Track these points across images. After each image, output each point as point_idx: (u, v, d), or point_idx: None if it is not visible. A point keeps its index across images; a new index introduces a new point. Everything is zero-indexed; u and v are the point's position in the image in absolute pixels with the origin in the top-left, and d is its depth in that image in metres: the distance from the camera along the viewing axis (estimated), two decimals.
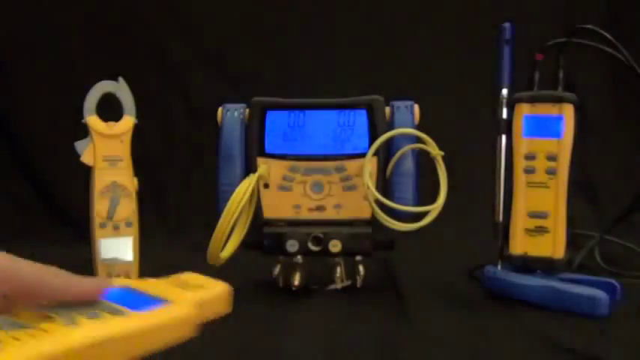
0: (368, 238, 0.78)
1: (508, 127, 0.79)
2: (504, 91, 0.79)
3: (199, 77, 1.27)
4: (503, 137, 0.79)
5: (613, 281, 0.73)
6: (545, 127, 0.77)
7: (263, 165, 0.78)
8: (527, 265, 0.77)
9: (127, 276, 0.79)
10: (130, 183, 0.79)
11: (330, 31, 1.27)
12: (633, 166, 1.30)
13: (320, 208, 0.79)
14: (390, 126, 0.78)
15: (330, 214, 0.79)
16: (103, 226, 0.78)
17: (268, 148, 0.79)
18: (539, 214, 0.77)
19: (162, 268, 0.96)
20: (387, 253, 0.83)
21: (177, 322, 0.37)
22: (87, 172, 0.78)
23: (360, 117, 0.79)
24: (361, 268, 0.80)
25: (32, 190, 1.22)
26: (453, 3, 1.30)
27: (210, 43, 1.27)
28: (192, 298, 0.39)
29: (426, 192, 0.78)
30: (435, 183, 0.75)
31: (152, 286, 0.40)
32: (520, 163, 0.78)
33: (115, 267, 0.79)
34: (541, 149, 0.77)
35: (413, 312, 0.72)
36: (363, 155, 0.77)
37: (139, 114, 0.80)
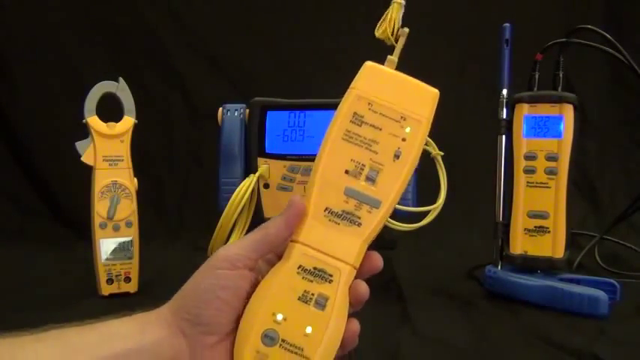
0: None
1: (508, 127, 0.79)
2: (504, 91, 0.79)
3: (199, 77, 1.26)
4: (503, 137, 0.79)
5: (613, 281, 0.73)
6: (545, 127, 0.77)
7: (263, 165, 0.78)
8: (527, 265, 0.77)
9: (128, 276, 0.79)
10: (130, 183, 0.79)
11: (329, 32, 1.27)
12: (633, 166, 1.30)
13: None
14: None
15: None
16: (103, 226, 0.78)
17: (268, 148, 0.79)
18: (539, 214, 0.77)
19: (162, 268, 0.97)
20: (387, 252, 0.83)
21: None
22: (87, 172, 0.78)
23: None
24: None
25: (32, 190, 1.22)
26: (453, 3, 1.30)
27: (210, 44, 1.27)
28: None
29: (426, 192, 0.78)
30: (435, 183, 0.75)
31: None
32: (520, 163, 0.78)
33: (116, 267, 0.79)
34: (541, 149, 0.77)
35: (413, 312, 0.72)
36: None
37: (139, 114, 0.80)
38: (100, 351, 0.37)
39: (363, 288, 0.41)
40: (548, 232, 0.76)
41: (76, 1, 1.23)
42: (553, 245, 0.76)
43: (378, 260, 0.42)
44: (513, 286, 0.76)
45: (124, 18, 1.24)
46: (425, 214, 0.75)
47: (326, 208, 0.41)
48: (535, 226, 0.77)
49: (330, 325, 0.39)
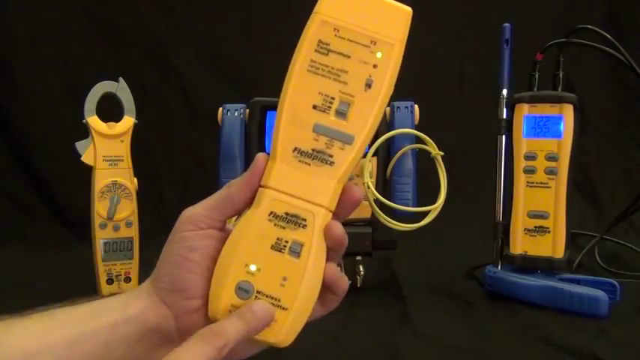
0: (368, 238, 0.78)
1: (508, 127, 0.79)
2: (504, 91, 0.79)
3: (199, 77, 1.26)
4: (503, 137, 0.79)
5: (613, 281, 0.73)
6: (545, 127, 0.77)
7: None
8: (527, 265, 0.77)
9: (128, 276, 0.79)
10: (130, 183, 0.79)
11: None
12: (633, 166, 1.30)
13: None
14: (390, 126, 0.78)
15: None
16: (102, 226, 0.78)
17: (268, 148, 0.79)
18: (539, 214, 0.77)
19: None
20: (387, 252, 0.83)
21: None
22: (87, 172, 0.78)
23: None
24: (361, 267, 0.80)
25: (32, 190, 1.22)
26: (453, 3, 1.30)
27: (210, 44, 1.27)
28: None
29: (426, 192, 0.78)
30: (435, 183, 0.75)
31: None
32: (520, 163, 0.78)
33: (116, 267, 0.79)
34: (541, 149, 0.77)
35: (413, 312, 0.72)
36: (363, 155, 0.77)
37: (139, 114, 0.80)
38: (86, 324, 0.38)
39: (338, 229, 0.37)
40: (548, 232, 0.76)
41: (76, 1, 1.23)
42: (553, 245, 0.76)
43: (355, 192, 0.38)
44: (513, 286, 0.76)
45: (124, 18, 1.24)
46: (425, 214, 0.75)
47: (295, 149, 0.37)
48: (535, 226, 0.77)
49: (307, 273, 0.37)
